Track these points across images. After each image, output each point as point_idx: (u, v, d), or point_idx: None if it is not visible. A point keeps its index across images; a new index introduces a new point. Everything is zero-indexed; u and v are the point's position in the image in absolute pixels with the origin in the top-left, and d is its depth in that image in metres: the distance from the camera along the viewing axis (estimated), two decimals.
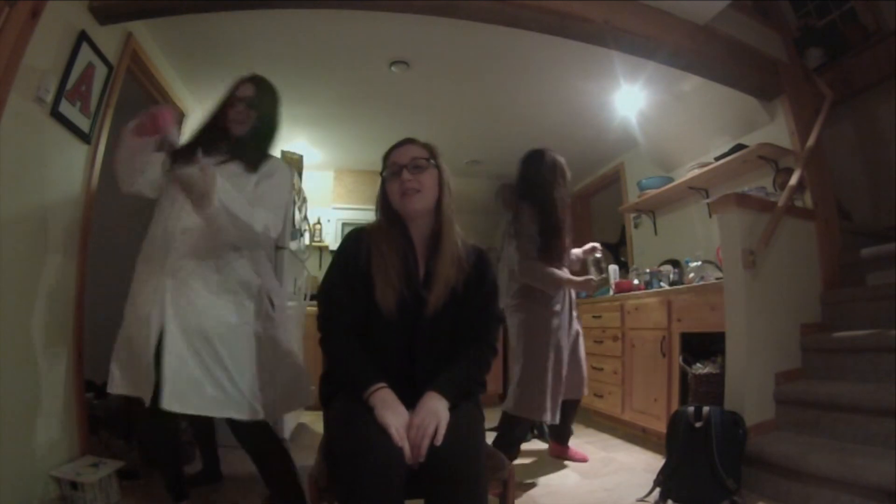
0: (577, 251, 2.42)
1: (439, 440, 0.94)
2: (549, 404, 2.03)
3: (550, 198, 2.10)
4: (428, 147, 1.22)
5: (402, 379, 1.09)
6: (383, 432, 0.95)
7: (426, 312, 1.12)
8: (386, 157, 1.22)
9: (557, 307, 2.12)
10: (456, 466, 0.93)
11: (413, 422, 0.97)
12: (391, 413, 0.98)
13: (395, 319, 1.11)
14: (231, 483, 1.97)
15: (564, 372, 2.12)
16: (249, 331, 1.47)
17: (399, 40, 2.59)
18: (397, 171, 1.16)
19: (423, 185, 1.15)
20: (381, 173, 1.23)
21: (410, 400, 1.05)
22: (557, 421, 2.08)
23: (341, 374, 1.13)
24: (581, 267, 2.47)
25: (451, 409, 1.03)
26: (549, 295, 2.10)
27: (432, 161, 1.20)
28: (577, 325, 2.29)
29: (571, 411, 2.39)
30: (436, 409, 1.00)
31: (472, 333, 1.17)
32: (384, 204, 1.21)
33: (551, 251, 2.06)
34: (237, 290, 1.47)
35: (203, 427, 1.92)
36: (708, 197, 3.17)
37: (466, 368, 1.13)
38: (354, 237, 1.20)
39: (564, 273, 2.09)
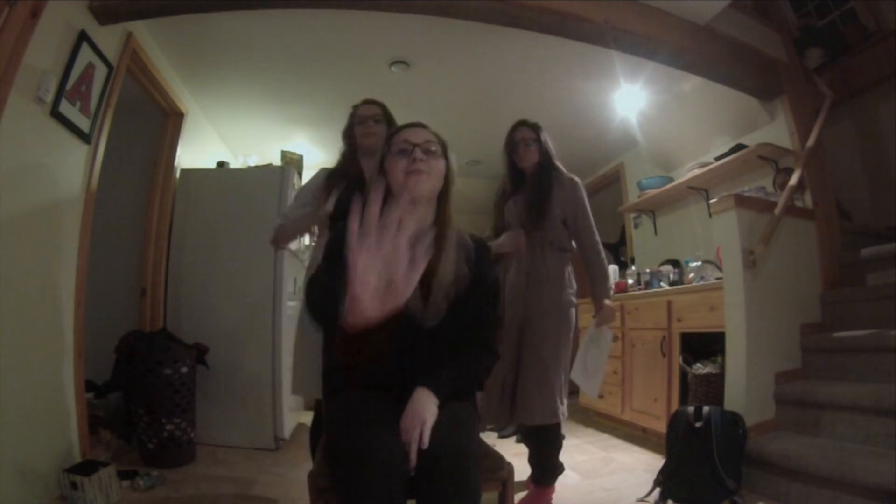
0: None
1: (425, 443, 0.90)
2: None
3: None
4: (439, 137, 1.14)
5: (400, 386, 1.04)
6: (385, 432, 0.94)
7: (426, 314, 1.04)
8: (391, 137, 1.12)
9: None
10: (449, 466, 0.92)
11: (400, 427, 0.93)
12: None
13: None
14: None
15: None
16: None
17: (399, 40, 2.59)
18: (408, 148, 1.07)
19: (433, 170, 1.07)
20: (381, 155, 1.13)
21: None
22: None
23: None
24: None
25: (441, 407, 0.98)
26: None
27: (443, 151, 1.13)
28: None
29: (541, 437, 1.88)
30: (420, 412, 0.94)
31: (472, 336, 1.12)
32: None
33: None
34: None
35: None
36: (708, 197, 3.17)
37: (464, 368, 1.09)
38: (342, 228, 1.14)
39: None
